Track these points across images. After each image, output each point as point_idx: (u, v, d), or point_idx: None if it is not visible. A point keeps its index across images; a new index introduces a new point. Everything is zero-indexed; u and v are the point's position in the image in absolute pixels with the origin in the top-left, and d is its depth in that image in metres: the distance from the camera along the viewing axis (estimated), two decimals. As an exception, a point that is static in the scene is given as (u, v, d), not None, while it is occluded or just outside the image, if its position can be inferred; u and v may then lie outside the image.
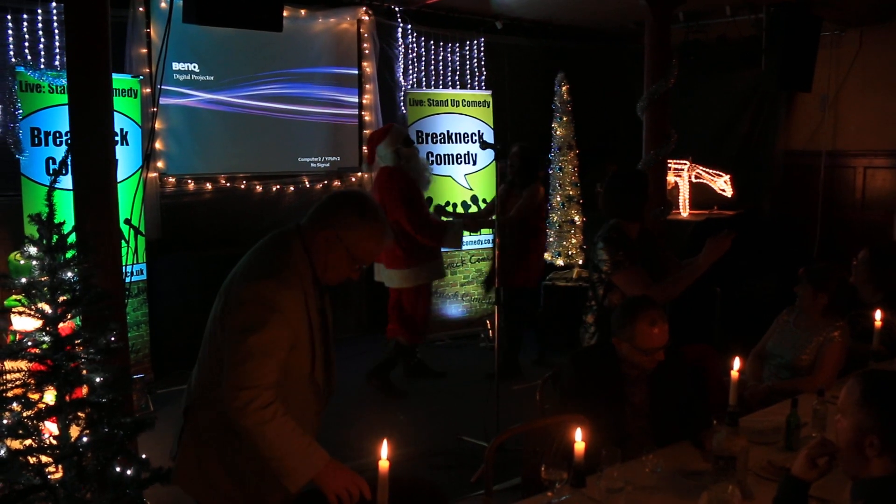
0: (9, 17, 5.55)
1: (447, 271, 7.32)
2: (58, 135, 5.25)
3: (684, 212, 7.87)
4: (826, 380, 3.59)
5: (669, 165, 7.16)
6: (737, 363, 2.70)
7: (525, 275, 6.22)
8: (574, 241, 7.42)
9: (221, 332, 2.43)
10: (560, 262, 7.41)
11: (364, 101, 7.48)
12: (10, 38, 5.57)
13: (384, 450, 1.97)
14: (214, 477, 2.45)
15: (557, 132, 7.46)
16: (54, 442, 2.68)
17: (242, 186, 6.92)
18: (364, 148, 5.90)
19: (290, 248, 2.48)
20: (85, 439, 2.74)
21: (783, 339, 4.00)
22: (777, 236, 8.00)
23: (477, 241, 7.55)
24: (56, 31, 5.70)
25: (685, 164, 7.85)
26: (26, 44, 5.61)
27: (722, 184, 7.87)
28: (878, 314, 3.59)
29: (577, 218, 7.44)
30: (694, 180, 7.93)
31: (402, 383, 6.01)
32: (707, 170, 7.91)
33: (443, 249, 5.96)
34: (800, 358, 3.86)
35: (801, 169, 8.13)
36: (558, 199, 7.42)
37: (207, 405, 2.46)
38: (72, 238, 2.84)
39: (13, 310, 2.76)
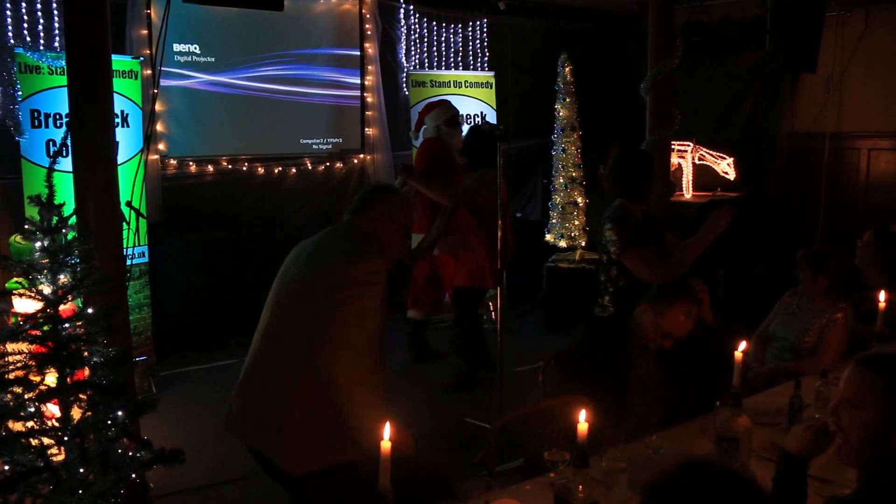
0: (8, -3, 5.52)
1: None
2: (58, 116, 5.23)
3: (687, 193, 7.85)
4: (829, 361, 3.58)
5: (673, 147, 7.12)
6: (742, 345, 2.69)
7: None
8: (577, 222, 7.41)
9: (315, 320, 2.58)
10: (563, 243, 7.40)
11: (366, 83, 7.44)
12: (9, 19, 5.54)
13: (386, 431, 1.96)
14: (318, 449, 2.57)
15: (560, 113, 7.43)
16: (56, 424, 2.67)
17: (244, 168, 6.90)
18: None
19: (356, 234, 2.75)
20: (87, 421, 2.73)
21: (786, 321, 3.99)
22: (780, 219, 7.98)
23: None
24: (55, 12, 5.67)
25: (689, 145, 7.82)
26: (25, 25, 5.58)
27: (725, 166, 7.84)
28: (882, 295, 3.58)
29: (579, 200, 7.42)
30: (697, 162, 7.90)
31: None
32: (710, 152, 7.87)
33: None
34: (803, 340, 3.84)
35: (805, 151, 8.09)
36: (561, 180, 7.40)
37: (301, 387, 2.59)
38: (72, 220, 2.83)
39: (14, 292, 2.75)
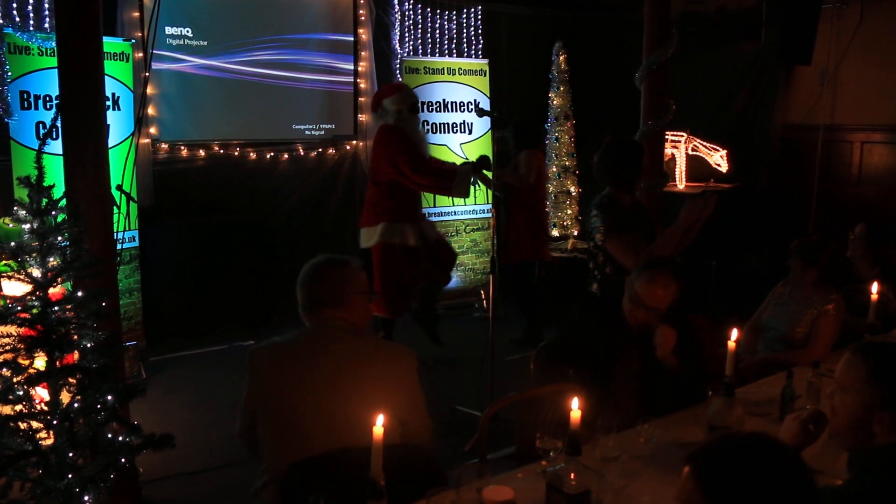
0: (-3, -23, 5.45)
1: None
2: (48, 98, 5.18)
3: (680, 184, 7.85)
4: (821, 352, 3.58)
5: (667, 137, 7.12)
6: (734, 334, 2.69)
7: (508, 250, 6.25)
8: (569, 211, 7.42)
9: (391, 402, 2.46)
10: (555, 232, 7.40)
11: (359, 69, 7.40)
12: (-1, -1, 5.48)
13: (379, 418, 1.95)
14: None
15: (554, 102, 7.42)
16: (45, 408, 2.65)
17: (236, 153, 6.86)
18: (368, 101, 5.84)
19: (355, 328, 2.63)
20: (76, 405, 2.71)
21: (778, 312, 4.00)
22: (773, 210, 7.99)
23: (472, 211, 7.51)
24: (46, -8, 5.61)
25: (682, 135, 7.81)
26: (14, 4, 5.50)
27: (718, 158, 7.84)
28: (874, 287, 3.58)
29: (572, 189, 7.42)
30: (690, 153, 7.90)
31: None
32: (704, 143, 7.87)
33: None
34: (794, 331, 3.85)
35: (799, 143, 8.10)
36: (554, 169, 7.40)
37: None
38: (62, 202, 2.80)
39: (2, 274, 2.72)
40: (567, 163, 7.37)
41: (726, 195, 7.30)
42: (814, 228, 7.75)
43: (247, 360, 2.53)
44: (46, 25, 5.57)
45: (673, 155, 7.81)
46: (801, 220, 7.91)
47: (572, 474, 2.06)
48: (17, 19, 5.48)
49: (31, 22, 5.56)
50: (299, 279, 2.64)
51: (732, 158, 7.87)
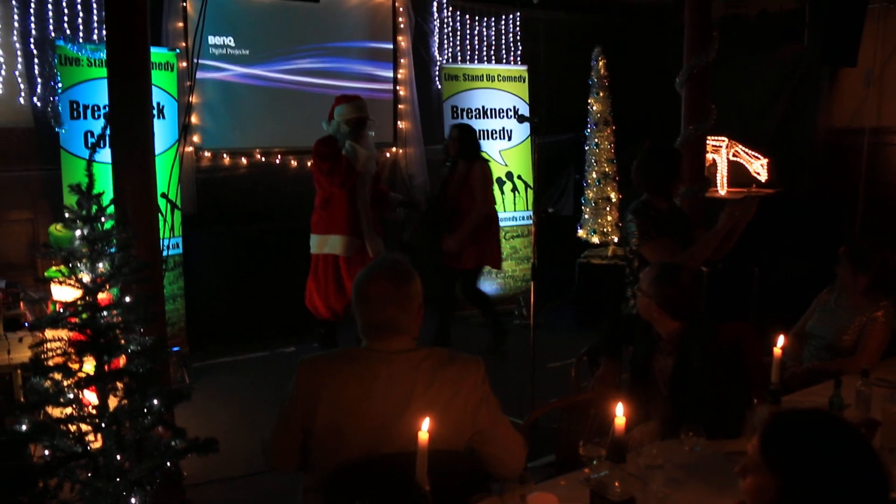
0: (48, -9, 5.60)
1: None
2: (96, 108, 5.29)
3: (722, 189, 7.75)
4: (869, 361, 3.50)
5: (708, 142, 7.04)
6: (780, 340, 2.65)
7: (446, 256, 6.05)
8: (609, 218, 7.37)
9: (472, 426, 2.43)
10: (595, 239, 7.37)
11: (399, 76, 7.44)
12: (50, 12, 5.63)
13: (425, 423, 1.96)
14: None
15: (594, 108, 7.38)
16: (93, 411, 2.70)
17: (277, 161, 6.94)
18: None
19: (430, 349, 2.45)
20: (123, 408, 2.76)
21: (824, 319, 3.92)
22: (817, 216, 7.85)
23: (512, 218, 7.50)
24: (95, 5, 5.76)
25: (724, 140, 7.72)
26: (66, 18, 5.66)
27: (758, 167, 7.74)
28: (925, 294, 3.51)
29: (612, 195, 7.37)
30: (732, 158, 7.80)
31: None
32: (746, 149, 7.77)
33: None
34: (841, 339, 3.78)
35: (843, 147, 7.94)
36: (594, 175, 7.36)
37: None
38: (110, 209, 2.86)
39: (54, 280, 2.78)
40: (607, 169, 7.33)
41: (769, 201, 7.19)
42: (859, 234, 7.60)
43: (297, 371, 2.32)
44: (95, 37, 5.70)
45: (714, 160, 7.72)
46: (846, 226, 7.76)
47: (616, 482, 2.05)
48: (68, 32, 5.63)
49: (81, 34, 5.70)
50: (362, 290, 2.33)
51: (775, 163, 7.75)
